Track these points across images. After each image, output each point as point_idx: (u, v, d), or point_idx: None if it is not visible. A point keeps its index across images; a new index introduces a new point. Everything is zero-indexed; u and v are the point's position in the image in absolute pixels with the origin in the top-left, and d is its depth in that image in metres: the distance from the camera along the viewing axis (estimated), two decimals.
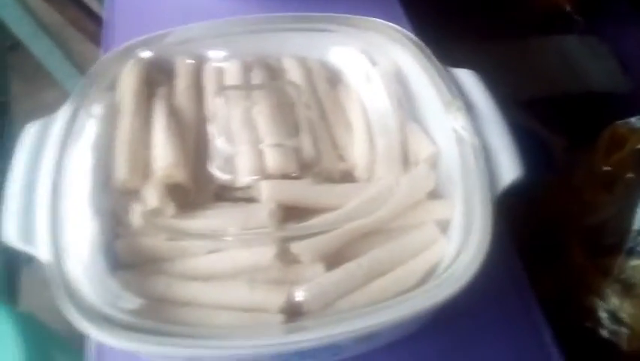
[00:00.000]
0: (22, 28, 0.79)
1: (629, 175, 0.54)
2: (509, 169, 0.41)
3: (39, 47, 0.83)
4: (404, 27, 0.49)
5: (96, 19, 1.09)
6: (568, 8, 0.86)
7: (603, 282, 0.48)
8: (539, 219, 0.58)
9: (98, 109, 0.45)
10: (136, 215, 0.40)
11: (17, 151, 0.42)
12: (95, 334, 0.34)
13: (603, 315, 0.48)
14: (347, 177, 0.46)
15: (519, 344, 0.45)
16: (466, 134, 0.42)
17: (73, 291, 0.36)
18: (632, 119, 0.58)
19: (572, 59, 0.92)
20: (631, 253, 0.47)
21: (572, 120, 0.81)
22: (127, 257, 0.40)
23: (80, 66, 1.04)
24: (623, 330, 0.46)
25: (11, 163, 0.42)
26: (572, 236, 0.55)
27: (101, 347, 0.46)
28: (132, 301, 0.36)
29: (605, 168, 0.56)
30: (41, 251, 0.37)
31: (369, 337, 0.39)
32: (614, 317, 0.47)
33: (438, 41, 0.50)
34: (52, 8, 0.90)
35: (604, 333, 0.48)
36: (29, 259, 1.16)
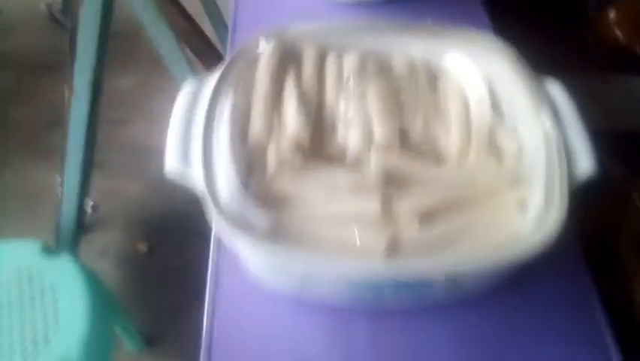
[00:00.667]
0: (145, 12, 0.91)
1: None
2: (586, 166, 0.48)
3: (156, 31, 0.94)
4: None
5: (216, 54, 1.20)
6: (638, 50, 0.93)
7: None
8: (599, 231, 0.65)
9: (240, 80, 0.54)
10: (272, 158, 0.48)
11: (178, 99, 0.51)
12: (236, 237, 0.43)
13: None
14: (439, 162, 0.53)
15: (573, 320, 0.52)
16: (552, 134, 0.49)
17: (220, 205, 0.44)
18: None
19: (636, 98, 0.98)
20: None
21: (631, 154, 0.86)
22: (258, 198, 0.48)
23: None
24: None
25: (173, 106, 0.51)
26: (628, 246, 0.62)
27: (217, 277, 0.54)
28: (266, 218, 0.44)
29: None
30: (196, 177, 0.46)
31: (453, 282, 0.47)
32: None
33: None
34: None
35: None
36: (88, 229, 1.27)
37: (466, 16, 0.75)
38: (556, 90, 0.53)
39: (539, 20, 0.89)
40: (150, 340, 1.40)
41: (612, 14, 0.92)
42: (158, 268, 1.56)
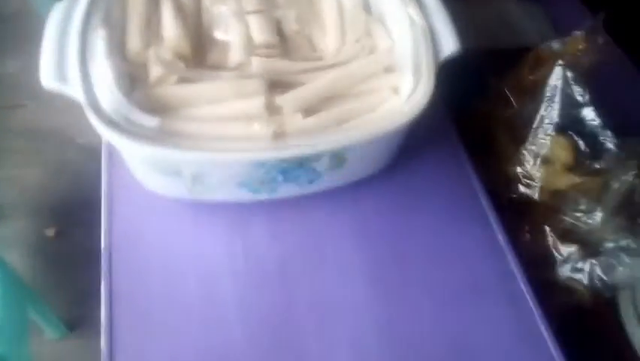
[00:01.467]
0: None
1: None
2: (450, 45, 0.52)
3: None
4: None
5: None
6: None
7: (520, 154, 0.61)
8: (477, 121, 0.70)
9: None
10: (153, 63, 0.49)
11: (49, 19, 0.50)
12: (121, 141, 0.43)
13: (521, 176, 0.60)
14: (317, 59, 0.56)
15: (455, 193, 0.57)
16: (418, 19, 0.53)
17: (102, 112, 0.44)
18: (552, 43, 0.71)
19: (509, 19, 1.04)
20: (541, 123, 0.60)
21: (506, 66, 0.92)
22: (142, 105, 0.48)
23: None
24: (535, 184, 0.59)
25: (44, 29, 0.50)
26: (501, 130, 0.67)
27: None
28: (151, 121, 0.45)
29: (531, 78, 0.68)
30: (74, 89, 0.46)
31: (337, 160, 0.49)
32: (529, 176, 0.60)
33: None
34: None
35: (522, 189, 0.60)
36: None
37: None
38: None
39: None
40: (72, 325, 1.36)
41: None
42: (69, 252, 1.51)
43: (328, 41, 0.55)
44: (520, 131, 0.64)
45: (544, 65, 0.70)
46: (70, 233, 1.53)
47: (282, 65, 0.53)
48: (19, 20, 1.57)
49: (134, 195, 0.53)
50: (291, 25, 0.54)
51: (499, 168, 0.63)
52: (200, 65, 0.53)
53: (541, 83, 0.67)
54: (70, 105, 0.48)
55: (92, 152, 0.50)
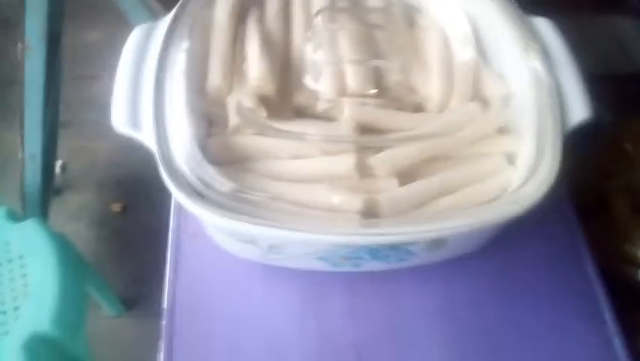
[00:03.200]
0: None
1: None
2: (579, 109, 0.44)
3: None
4: None
5: None
6: None
7: None
8: (588, 177, 0.62)
9: (196, 21, 0.48)
10: (232, 112, 0.43)
11: (125, 49, 0.46)
12: (192, 207, 0.38)
13: None
14: (419, 109, 0.49)
15: (563, 277, 0.49)
16: (543, 75, 0.45)
17: (176, 172, 0.39)
18: None
19: (623, 40, 0.94)
20: None
21: (620, 98, 0.83)
22: (219, 154, 0.43)
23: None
24: None
25: (119, 61, 0.45)
26: (618, 194, 0.58)
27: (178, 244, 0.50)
28: (225, 185, 0.39)
29: None
30: (147, 136, 0.41)
31: (435, 244, 0.43)
32: None
33: None
34: None
35: None
36: (58, 191, 1.21)
37: None
38: (545, 28, 0.48)
39: None
40: (129, 303, 1.37)
41: None
42: (133, 229, 1.52)
43: (432, 92, 0.47)
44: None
45: None
46: (136, 210, 1.53)
47: (378, 114, 0.46)
48: None
49: (202, 249, 0.48)
50: (393, 76, 0.47)
51: (612, 241, 0.54)
52: (287, 107, 0.47)
53: None
54: None
55: None
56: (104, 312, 1.31)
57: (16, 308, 0.93)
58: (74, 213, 1.52)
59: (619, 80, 0.89)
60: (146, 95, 0.43)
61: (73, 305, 0.99)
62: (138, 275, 1.42)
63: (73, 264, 1.02)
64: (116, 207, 1.52)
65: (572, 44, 0.49)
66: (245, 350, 0.44)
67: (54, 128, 1.23)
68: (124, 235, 1.49)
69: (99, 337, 1.30)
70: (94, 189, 1.56)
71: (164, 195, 0.49)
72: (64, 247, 1.02)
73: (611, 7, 0.95)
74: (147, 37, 0.46)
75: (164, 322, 0.45)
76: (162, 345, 0.44)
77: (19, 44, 1.04)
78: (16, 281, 0.96)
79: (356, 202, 0.41)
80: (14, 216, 1.03)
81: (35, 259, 0.99)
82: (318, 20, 0.48)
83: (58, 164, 1.50)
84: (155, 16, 0.96)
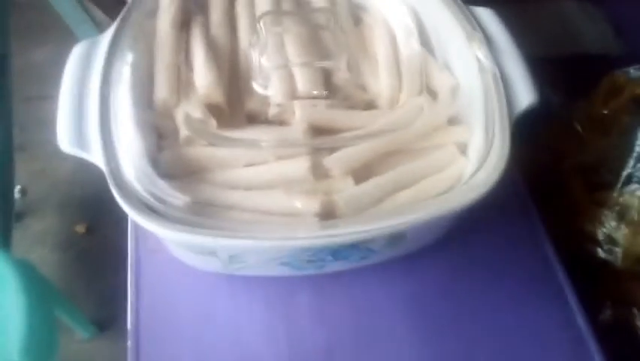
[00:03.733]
0: None
1: (625, 119, 0.59)
2: (526, 95, 0.44)
3: None
4: None
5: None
6: None
7: (599, 211, 0.53)
8: (542, 160, 0.63)
9: (139, 33, 0.47)
10: (181, 125, 0.43)
11: (67, 67, 0.45)
12: (146, 224, 0.37)
13: (600, 237, 0.53)
14: (370, 106, 0.49)
15: (524, 261, 0.50)
16: (487, 64, 0.45)
17: (127, 190, 0.39)
18: (630, 69, 0.63)
19: (568, 22, 0.96)
20: (628, 181, 0.52)
21: (568, 80, 0.84)
22: (172, 167, 0.42)
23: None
24: (617, 249, 0.52)
25: (61, 79, 0.44)
26: (572, 174, 0.59)
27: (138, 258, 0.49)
28: (180, 199, 0.39)
29: (604, 112, 0.60)
30: (95, 155, 0.40)
31: (395, 238, 0.43)
32: (610, 238, 0.52)
33: None
34: None
35: (601, 253, 0.53)
36: (19, 216, 1.17)
37: None
38: (487, 18, 0.49)
39: None
40: (102, 324, 1.34)
41: None
42: (99, 249, 1.49)
43: (382, 87, 0.48)
44: (595, 178, 0.56)
45: (620, 95, 0.62)
46: (100, 230, 1.51)
47: (330, 115, 0.46)
48: (44, 8, 1.53)
49: (163, 264, 0.47)
50: (342, 76, 0.47)
51: (568, 221, 0.55)
52: (238, 114, 0.47)
53: (618, 118, 0.59)
54: None
55: None
56: (77, 336, 1.28)
57: None
58: (38, 237, 1.48)
59: (566, 62, 0.90)
60: (91, 113, 0.42)
61: (42, 332, 0.97)
62: (108, 296, 1.39)
63: (39, 290, 1.00)
64: (80, 228, 1.49)
65: (518, 29, 0.50)
66: None
67: (8, 155, 1.20)
68: (90, 255, 1.46)
69: None
70: (56, 212, 1.53)
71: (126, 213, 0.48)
72: (29, 273, 1.00)
73: None
74: (89, 52, 0.45)
75: (129, 343, 0.44)
76: None
77: None
78: None
79: (314, 205, 0.40)
80: None
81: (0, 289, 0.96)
82: (262, 25, 0.47)
83: (17, 189, 1.46)
84: (102, 31, 0.94)
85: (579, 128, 0.62)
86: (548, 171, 0.61)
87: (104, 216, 1.50)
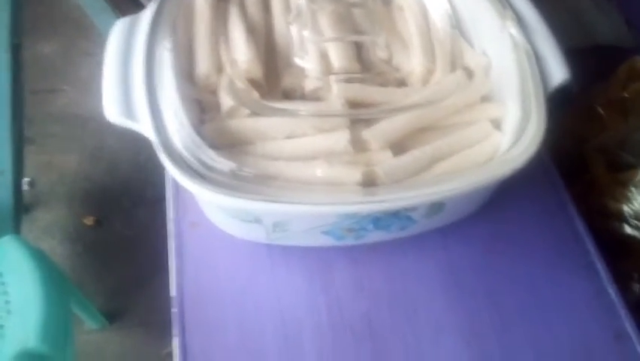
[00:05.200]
0: None
1: None
2: (558, 72, 0.45)
3: None
4: None
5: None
6: None
7: (625, 189, 0.54)
8: (564, 144, 0.64)
9: (178, 11, 0.48)
10: (225, 95, 0.44)
11: (109, 40, 0.45)
12: (197, 190, 0.38)
13: (627, 214, 0.54)
14: (401, 84, 0.50)
15: (556, 236, 0.51)
16: (520, 41, 0.46)
17: (176, 157, 0.40)
18: None
19: (582, 15, 0.97)
20: None
21: (584, 69, 0.85)
22: (214, 139, 0.43)
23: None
24: None
25: (104, 54, 0.45)
26: (594, 155, 0.61)
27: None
28: (227, 165, 0.40)
29: (624, 95, 0.62)
30: (144, 125, 0.41)
31: (434, 208, 0.44)
32: (637, 215, 0.54)
33: None
34: None
35: (628, 230, 0.54)
36: (28, 208, 1.18)
37: None
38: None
39: None
40: (111, 316, 1.35)
41: None
42: (108, 241, 1.49)
43: (415, 67, 0.49)
44: (617, 157, 0.57)
45: (639, 80, 0.64)
46: (109, 221, 1.51)
47: (365, 91, 0.47)
48: (53, 2, 1.53)
49: (204, 236, 0.48)
50: (376, 52, 0.48)
51: (594, 200, 0.57)
52: (275, 90, 0.48)
53: (638, 100, 0.60)
54: None
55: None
56: (88, 327, 1.29)
57: (1, 327, 0.91)
58: (46, 229, 1.48)
59: (581, 54, 0.91)
60: (137, 86, 0.43)
61: (58, 320, 0.97)
62: (118, 287, 1.40)
63: (55, 278, 1.01)
64: (89, 220, 1.50)
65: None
66: (256, 331, 0.45)
67: (20, 143, 1.21)
68: (99, 248, 1.47)
69: (85, 352, 1.28)
70: (64, 204, 1.53)
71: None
72: (45, 262, 1.00)
73: None
74: (130, 28, 0.46)
75: (175, 309, 0.45)
76: (176, 331, 0.44)
77: None
78: None
79: (355, 174, 0.42)
80: None
81: (16, 275, 0.96)
82: (301, 1, 0.48)
83: (26, 181, 1.47)
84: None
85: (600, 111, 0.63)
86: (571, 154, 0.62)
87: (112, 208, 1.51)
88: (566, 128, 0.65)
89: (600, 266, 0.49)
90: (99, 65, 0.46)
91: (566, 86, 0.89)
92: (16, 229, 1.31)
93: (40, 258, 1.00)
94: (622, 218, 0.54)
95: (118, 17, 0.88)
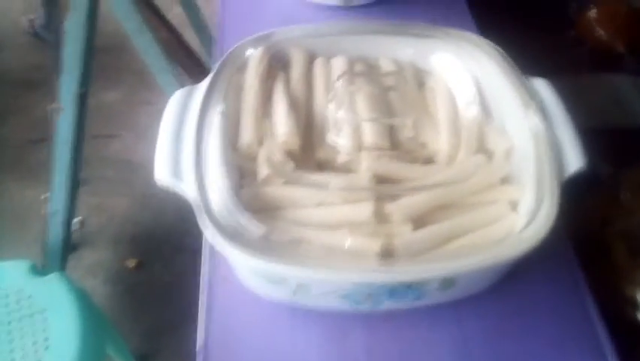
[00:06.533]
0: (129, 22, 0.91)
1: None
2: (575, 160, 0.49)
3: (141, 40, 0.94)
4: None
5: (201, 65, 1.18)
6: (620, 49, 0.94)
7: None
8: (587, 225, 0.66)
9: (230, 85, 0.54)
10: (263, 164, 0.48)
11: (167, 109, 0.51)
12: (230, 251, 0.42)
13: None
14: (428, 161, 0.54)
15: (568, 317, 0.52)
16: (541, 130, 0.50)
17: (213, 217, 0.44)
18: None
19: (621, 96, 0.99)
20: None
21: (618, 151, 0.87)
22: (250, 203, 0.47)
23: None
24: None
25: (161, 119, 0.51)
26: (616, 239, 0.62)
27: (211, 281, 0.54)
28: (259, 229, 0.44)
29: None
30: (188, 187, 0.46)
31: (446, 283, 0.46)
32: None
33: None
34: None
35: None
36: (75, 247, 1.23)
37: (451, 17, 0.76)
38: (543, 88, 0.54)
39: (522, 21, 0.91)
40: (142, 358, 1.38)
41: (593, 14, 0.93)
42: (147, 284, 1.54)
43: (441, 146, 0.53)
44: (638, 244, 0.59)
45: None
46: (149, 266, 1.56)
47: (393, 166, 0.51)
48: (122, 53, 1.65)
49: (231, 291, 0.52)
50: (405, 133, 0.52)
51: (613, 284, 0.58)
52: (309, 161, 0.52)
53: None
54: None
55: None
56: None
57: (38, 359, 0.95)
58: (90, 268, 1.55)
59: (617, 134, 0.92)
60: (186, 150, 0.48)
61: (92, 358, 1.01)
62: (153, 331, 1.43)
63: (92, 318, 1.05)
64: (131, 262, 1.55)
65: (571, 101, 0.54)
66: None
67: (75, 185, 1.28)
68: (138, 290, 1.52)
69: None
70: (109, 246, 1.60)
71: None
72: (85, 302, 1.05)
73: (608, 66, 1.00)
74: (187, 98, 0.52)
75: (200, 359, 0.48)
76: None
77: (52, 105, 1.10)
78: (37, 335, 0.99)
79: (375, 245, 0.45)
80: (37, 271, 1.06)
81: (57, 313, 1.01)
82: (339, 83, 0.54)
83: (76, 221, 1.54)
84: (178, 80, 1.03)
85: (626, 196, 0.65)
86: (594, 236, 0.64)
87: (154, 253, 1.56)
88: (591, 210, 0.67)
89: (609, 353, 0.50)
90: (157, 113, 0.52)
91: (596, 168, 0.90)
92: (63, 267, 1.37)
93: (82, 297, 1.04)
94: (636, 305, 0.55)
95: (177, 77, 0.96)
